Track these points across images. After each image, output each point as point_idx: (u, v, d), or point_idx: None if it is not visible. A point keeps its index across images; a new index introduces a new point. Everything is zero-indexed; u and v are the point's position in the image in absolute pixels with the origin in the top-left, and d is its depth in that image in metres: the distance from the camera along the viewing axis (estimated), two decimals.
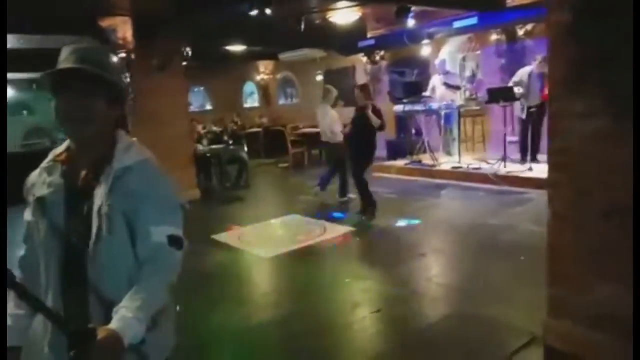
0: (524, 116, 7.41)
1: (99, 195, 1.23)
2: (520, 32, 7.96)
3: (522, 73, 7.30)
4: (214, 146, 9.15)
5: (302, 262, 4.63)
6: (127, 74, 9.87)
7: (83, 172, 1.27)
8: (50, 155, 1.34)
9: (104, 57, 1.30)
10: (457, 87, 8.99)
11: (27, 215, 1.31)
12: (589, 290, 2.52)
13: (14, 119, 12.97)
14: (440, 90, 8.81)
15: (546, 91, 6.60)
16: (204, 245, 5.35)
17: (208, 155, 8.63)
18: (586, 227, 2.52)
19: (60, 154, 1.33)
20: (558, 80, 2.61)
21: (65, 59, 1.25)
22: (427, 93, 8.80)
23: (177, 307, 1.43)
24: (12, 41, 8.20)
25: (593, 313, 2.51)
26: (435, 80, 8.96)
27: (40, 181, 1.30)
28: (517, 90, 7.16)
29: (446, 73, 9.29)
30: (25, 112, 13.07)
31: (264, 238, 5.54)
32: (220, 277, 4.49)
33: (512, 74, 7.58)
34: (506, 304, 3.33)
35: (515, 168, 7.11)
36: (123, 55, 7.34)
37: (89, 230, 1.21)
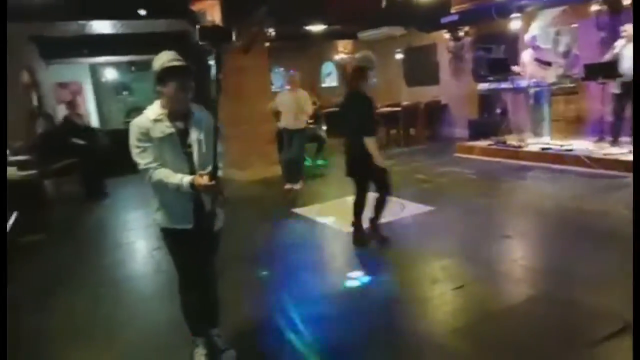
0: (618, 91, 6.78)
1: (192, 130, 2.42)
2: (626, 2, 7.24)
3: (619, 45, 6.69)
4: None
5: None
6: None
7: (180, 122, 2.41)
8: (152, 114, 2.37)
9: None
10: (549, 64, 8.40)
11: (148, 145, 2.33)
12: None
13: (116, 99, 14.19)
14: (531, 67, 8.29)
15: None
16: (286, 218, 5.61)
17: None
18: None
19: (162, 113, 2.37)
20: None
21: (173, 59, 2.33)
22: (517, 69, 8.33)
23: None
24: (111, 27, 8.92)
25: None
26: (525, 57, 8.43)
27: (155, 128, 2.34)
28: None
29: (537, 48, 8.70)
30: (125, 92, 14.26)
31: (344, 214, 5.66)
32: (300, 247, 4.69)
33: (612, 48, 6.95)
34: (596, 291, 3.19)
35: (612, 150, 6.59)
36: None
37: (190, 147, 2.42)
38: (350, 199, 4.58)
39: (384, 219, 4.62)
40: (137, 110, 2.92)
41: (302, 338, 2.90)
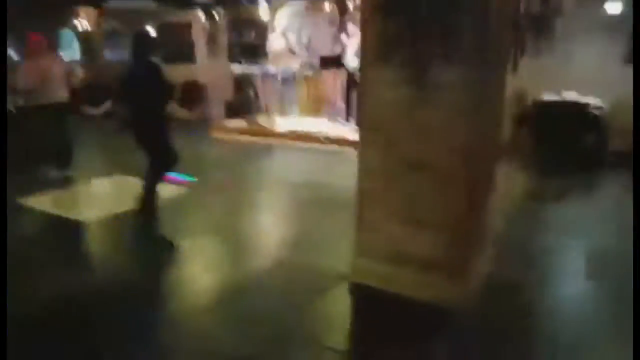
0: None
1: None
2: (351, 6, 8.51)
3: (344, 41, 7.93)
4: None
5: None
6: None
7: None
8: None
9: None
10: (293, 52, 9.25)
11: None
12: (389, 232, 2.98)
13: None
14: (279, 53, 8.95)
15: None
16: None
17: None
18: (392, 178, 2.94)
19: None
20: (369, 52, 2.92)
21: None
22: (269, 54, 8.87)
23: None
24: None
25: (391, 251, 2.99)
26: (275, 43, 9.05)
27: None
28: None
29: (284, 37, 9.45)
30: None
31: (84, 202, 5.13)
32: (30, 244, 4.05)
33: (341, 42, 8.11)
34: (324, 251, 3.73)
35: (342, 130, 7.76)
36: None
37: None
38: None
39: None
40: None
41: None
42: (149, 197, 4.23)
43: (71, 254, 3.89)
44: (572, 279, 3.46)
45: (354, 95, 7.96)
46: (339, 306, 3.00)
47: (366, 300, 2.99)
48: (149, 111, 4.11)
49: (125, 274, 3.45)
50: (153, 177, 4.23)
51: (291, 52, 9.19)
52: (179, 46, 11.54)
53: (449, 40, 2.59)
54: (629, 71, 7.41)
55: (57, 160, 5.82)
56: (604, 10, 6.98)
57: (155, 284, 3.35)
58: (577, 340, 2.63)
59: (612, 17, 7.03)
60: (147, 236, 4.19)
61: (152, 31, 3.62)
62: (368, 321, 2.81)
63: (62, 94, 5.76)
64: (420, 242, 2.88)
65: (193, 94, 10.98)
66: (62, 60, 6.14)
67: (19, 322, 2.65)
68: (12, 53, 11.93)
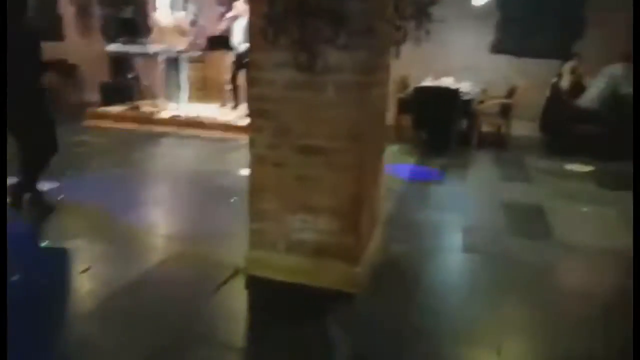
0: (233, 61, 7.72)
1: None
2: None
3: (227, 20, 7.66)
4: None
5: None
6: None
7: None
8: None
9: None
10: (183, 31, 8.57)
11: None
12: (283, 220, 2.92)
13: None
14: (165, 32, 8.25)
15: None
16: None
17: None
18: (283, 165, 2.87)
19: None
20: (256, 34, 2.79)
21: None
22: (153, 32, 8.15)
23: None
24: None
25: (285, 240, 2.94)
26: (162, 20, 8.33)
27: None
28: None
29: (171, 14, 8.76)
30: None
31: None
32: None
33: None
34: (218, 243, 3.57)
35: (231, 116, 7.50)
36: None
37: None
38: None
39: None
40: None
41: None
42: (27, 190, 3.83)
43: None
44: (450, 251, 3.74)
45: (241, 78, 7.74)
46: (235, 301, 2.88)
47: (262, 292, 2.92)
48: (22, 86, 3.56)
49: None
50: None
51: (180, 30, 8.48)
52: (43, 20, 10.23)
53: (337, 23, 2.56)
54: (495, 59, 8.19)
55: None
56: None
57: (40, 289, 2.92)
58: (454, 308, 2.84)
59: (480, 8, 7.69)
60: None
61: None
62: (265, 314, 2.74)
63: None
64: (314, 230, 2.86)
65: (62, 75, 9.83)
66: None
67: None
68: None
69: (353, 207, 2.82)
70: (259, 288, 2.94)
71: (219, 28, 7.65)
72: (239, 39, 7.42)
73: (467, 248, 3.71)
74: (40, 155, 3.94)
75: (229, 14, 7.62)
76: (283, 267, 2.95)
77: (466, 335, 2.58)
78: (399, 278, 3.21)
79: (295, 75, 2.72)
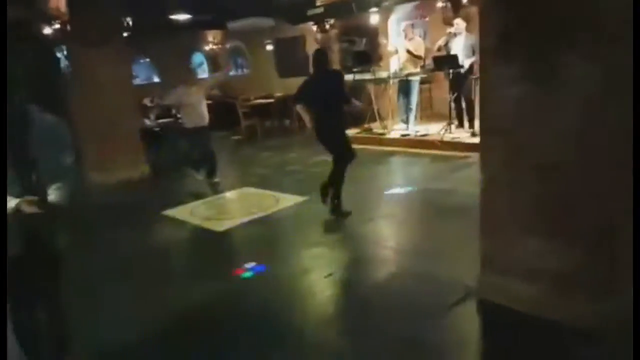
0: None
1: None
2: (464, 0, 8.11)
3: (443, 39, 7.52)
4: (162, 120, 8.90)
5: (256, 233, 4.69)
6: (62, 47, 9.38)
7: None
8: None
9: None
10: (420, 57, 8.61)
11: None
12: (518, 245, 2.73)
13: None
14: (403, 56, 8.50)
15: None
16: (156, 221, 5.32)
17: (157, 129, 8.41)
18: (517, 185, 2.70)
19: None
20: (488, 48, 2.73)
21: None
22: (394, 59, 8.56)
23: None
24: None
25: (522, 266, 2.73)
26: (399, 47, 8.64)
27: None
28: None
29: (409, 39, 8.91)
30: None
31: (218, 212, 5.55)
32: (173, 253, 4.50)
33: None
34: (447, 262, 3.56)
35: (459, 134, 7.39)
36: (57, 26, 6.95)
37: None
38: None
39: (259, 214, 4.64)
40: None
41: None
42: (334, 186, 4.70)
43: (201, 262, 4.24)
44: None
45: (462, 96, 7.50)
46: (467, 325, 2.81)
47: (495, 320, 2.76)
48: (330, 112, 4.57)
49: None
50: (336, 169, 4.69)
51: (417, 57, 8.57)
52: (294, 59, 12.07)
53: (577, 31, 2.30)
54: None
55: (203, 169, 6.52)
56: None
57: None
58: None
59: None
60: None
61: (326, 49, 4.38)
62: (498, 347, 2.59)
63: (203, 119, 6.36)
64: (556, 256, 2.59)
65: None
66: (202, 82, 6.71)
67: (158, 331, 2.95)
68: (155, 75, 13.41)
69: (605, 233, 2.45)
70: (492, 315, 2.80)
71: (436, 46, 7.64)
72: (460, 57, 7.27)
73: None
74: (344, 160, 4.73)
75: (448, 30, 7.54)
76: (518, 295, 2.74)
77: None
78: None
79: (529, 89, 2.54)
